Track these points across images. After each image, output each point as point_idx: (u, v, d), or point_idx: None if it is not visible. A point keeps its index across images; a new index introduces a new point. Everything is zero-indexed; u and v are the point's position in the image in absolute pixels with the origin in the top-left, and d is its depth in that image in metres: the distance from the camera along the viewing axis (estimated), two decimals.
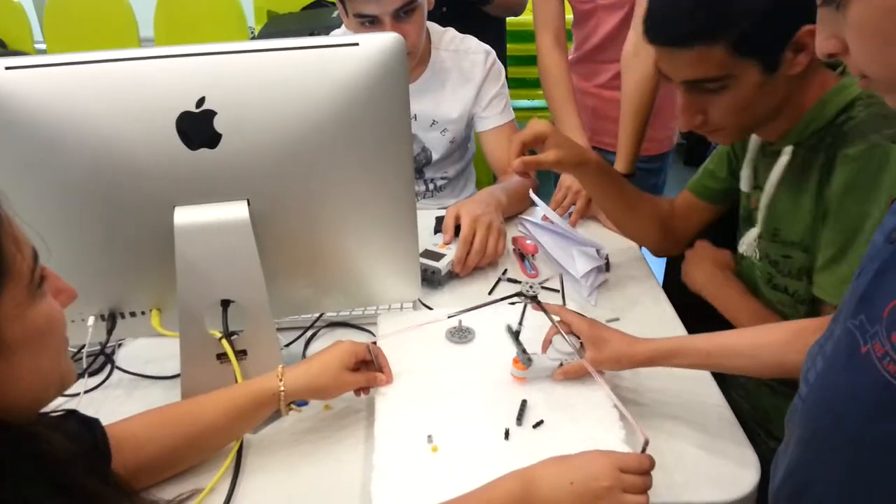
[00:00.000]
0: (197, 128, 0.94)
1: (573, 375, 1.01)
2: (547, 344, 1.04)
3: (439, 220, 1.44)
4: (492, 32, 1.92)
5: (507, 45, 2.29)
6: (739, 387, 1.20)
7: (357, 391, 1.01)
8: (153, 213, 0.97)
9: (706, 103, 1.02)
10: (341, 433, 1.00)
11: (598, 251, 1.33)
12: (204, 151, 0.95)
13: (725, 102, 1.01)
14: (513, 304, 1.01)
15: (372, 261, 1.11)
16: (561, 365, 1.01)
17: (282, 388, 0.93)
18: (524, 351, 0.99)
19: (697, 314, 1.24)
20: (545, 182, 1.63)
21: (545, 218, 1.48)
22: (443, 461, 0.89)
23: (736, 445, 0.98)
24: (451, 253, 1.34)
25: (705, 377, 1.11)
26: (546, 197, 1.57)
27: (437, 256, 1.33)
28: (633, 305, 1.29)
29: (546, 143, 1.22)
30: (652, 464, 0.81)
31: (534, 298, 0.97)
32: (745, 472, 0.94)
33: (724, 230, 1.32)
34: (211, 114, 0.93)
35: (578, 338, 1.02)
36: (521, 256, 1.42)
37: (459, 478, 0.86)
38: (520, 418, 0.95)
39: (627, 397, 1.03)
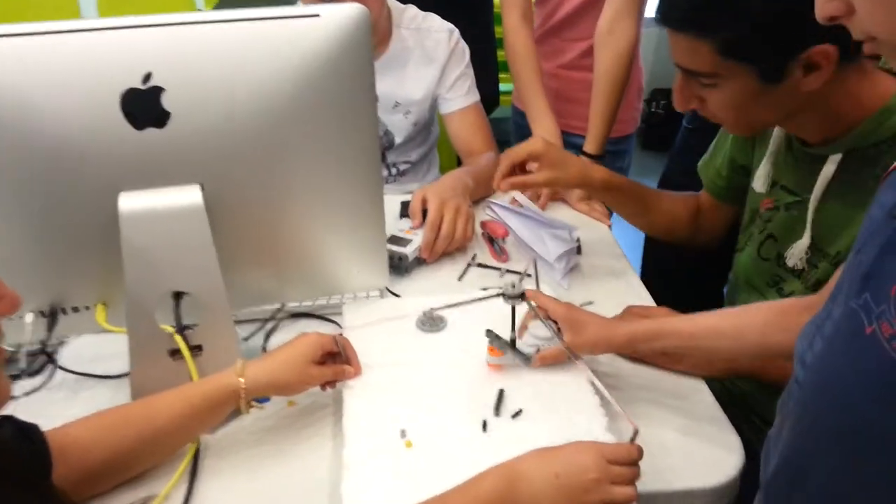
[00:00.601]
0: (143, 106, 0.86)
1: (551, 361, 0.96)
2: (523, 330, 0.99)
3: (405, 204, 1.39)
4: (483, 15, 1.87)
5: (496, 28, 2.23)
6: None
7: (323, 385, 0.95)
8: (96, 200, 0.89)
9: (702, 92, 0.98)
10: (307, 431, 0.94)
11: (569, 233, 1.28)
12: (151, 132, 0.87)
13: (719, 98, 0.96)
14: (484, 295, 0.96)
15: (337, 247, 1.05)
16: (538, 351, 0.97)
17: (242, 385, 0.86)
18: (524, 355, 0.95)
19: (675, 299, 1.20)
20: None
21: (514, 201, 1.44)
22: (418, 457, 0.84)
23: (718, 429, 0.95)
24: (417, 238, 1.29)
25: None
26: None
27: (404, 242, 1.27)
28: (606, 289, 1.25)
29: (540, 161, 1.18)
30: (640, 454, 0.77)
31: (521, 297, 0.92)
32: (729, 456, 0.91)
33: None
34: (158, 91, 0.86)
35: (555, 322, 0.98)
36: (490, 240, 1.37)
37: (436, 474, 0.81)
38: (497, 408, 0.90)
39: (606, 382, 0.98)
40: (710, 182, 1.27)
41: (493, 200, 1.50)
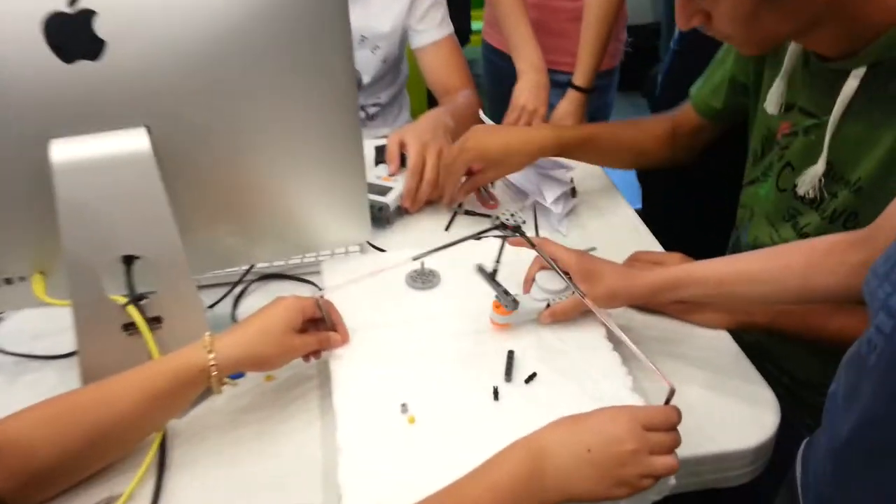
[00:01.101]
0: (72, 34, 0.72)
1: (563, 317, 0.86)
2: (529, 283, 0.88)
3: (380, 149, 1.25)
4: None
5: None
6: None
7: (306, 356, 0.83)
8: (22, 150, 0.74)
9: (706, 5, 0.86)
10: (291, 408, 0.82)
11: (564, 173, 1.17)
12: (84, 65, 0.73)
13: (726, 10, 0.84)
14: (481, 237, 0.84)
15: (311, 198, 0.91)
16: (548, 305, 0.86)
17: (212, 361, 0.74)
18: (506, 292, 0.83)
19: (678, 238, 1.10)
20: (500, 102, 1.45)
21: None
22: (423, 434, 0.73)
23: (748, 383, 0.86)
24: (398, 186, 1.16)
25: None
26: (499, 119, 1.40)
27: (383, 190, 1.14)
28: (608, 233, 1.15)
29: (488, 156, 1.14)
30: (679, 417, 0.68)
31: (517, 230, 0.80)
32: (763, 413, 0.82)
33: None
34: (89, 14, 0.71)
35: (566, 273, 0.87)
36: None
37: (446, 452, 0.70)
38: (508, 373, 0.79)
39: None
40: (704, 104, 1.17)
41: None
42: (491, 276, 0.83)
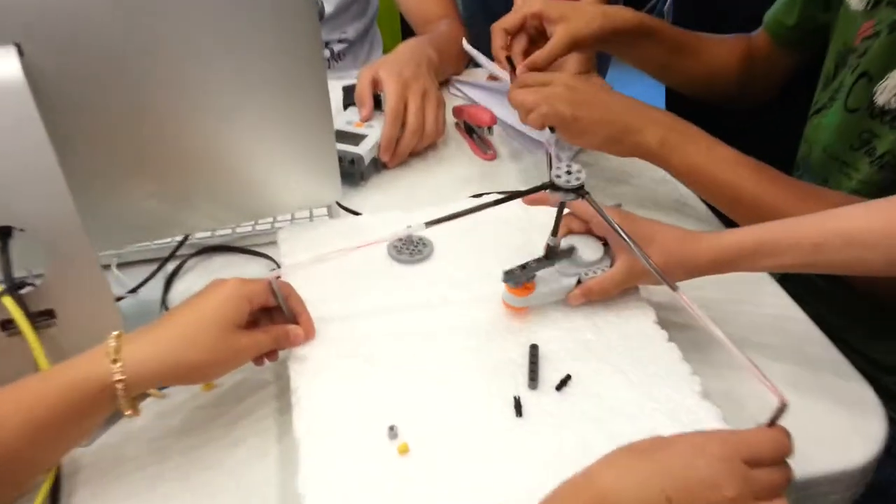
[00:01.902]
0: None
1: (600, 296, 0.65)
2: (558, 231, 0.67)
3: (348, 90, 1.02)
4: None
5: None
6: (813, 290, 0.86)
7: (258, 359, 0.61)
8: None
9: None
10: (237, 431, 0.61)
11: None
12: None
13: None
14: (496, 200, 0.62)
15: (262, 148, 0.69)
16: (579, 282, 0.65)
17: (118, 375, 0.52)
18: (525, 266, 0.62)
19: None
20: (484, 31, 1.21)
21: (491, 78, 1.09)
22: (420, 469, 0.52)
23: (841, 379, 0.67)
24: (373, 133, 0.93)
25: (763, 278, 0.78)
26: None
27: (355, 139, 0.92)
28: (632, 183, 0.94)
29: (545, 20, 0.88)
30: (792, 444, 0.48)
31: (579, 192, 0.59)
32: (865, 419, 0.63)
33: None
34: None
35: (601, 239, 0.67)
36: (469, 131, 1.02)
37: (453, 495, 0.50)
38: (533, 377, 0.58)
39: (665, 318, 0.68)
40: (775, 22, 0.96)
41: (461, 79, 1.15)
42: (523, 267, 0.63)
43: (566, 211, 0.67)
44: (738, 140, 0.85)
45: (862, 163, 0.80)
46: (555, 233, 0.63)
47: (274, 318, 0.62)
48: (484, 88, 1.10)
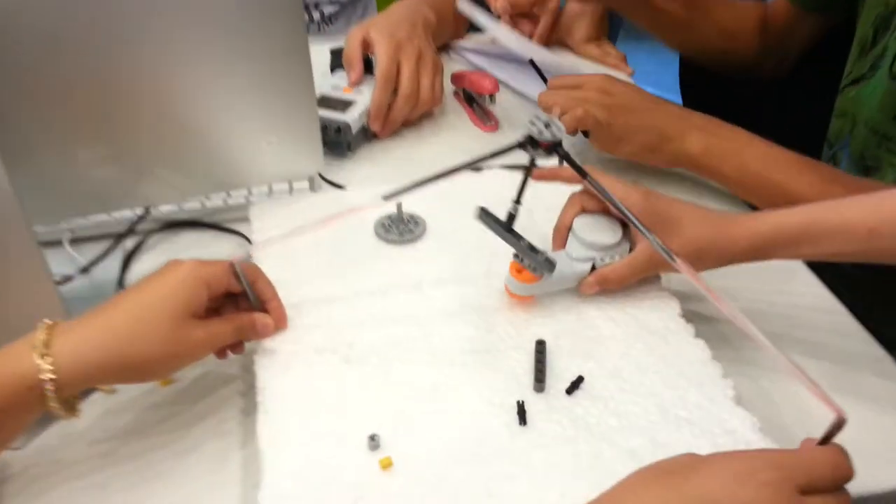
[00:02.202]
0: None
1: (616, 285, 0.56)
2: (564, 233, 0.59)
3: (336, 52, 0.93)
4: None
5: None
6: (841, 276, 0.77)
7: (221, 351, 0.53)
8: None
9: None
10: (195, 434, 0.53)
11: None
12: None
13: None
14: (482, 165, 0.54)
15: (233, 108, 0.60)
16: (593, 268, 0.56)
17: (48, 373, 0.43)
18: (532, 248, 0.53)
19: None
20: None
21: (493, 41, 1.00)
22: (405, 488, 0.44)
23: (886, 379, 0.59)
24: (362, 100, 0.84)
25: (796, 266, 0.69)
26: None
27: (342, 105, 0.83)
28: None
29: None
30: (852, 468, 0.39)
31: (555, 149, 0.50)
32: None
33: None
34: None
35: (619, 220, 0.58)
36: (469, 100, 0.93)
37: None
38: (539, 378, 0.50)
39: (687, 309, 0.59)
40: None
41: (461, 44, 1.05)
42: (505, 225, 0.53)
43: (578, 188, 0.59)
44: (758, 115, 0.77)
45: None
46: (517, 199, 0.53)
47: (240, 305, 0.53)
48: (486, 53, 1.01)
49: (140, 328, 0.47)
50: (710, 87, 1.02)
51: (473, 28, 1.09)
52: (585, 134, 0.74)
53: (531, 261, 0.53)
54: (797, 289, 0.67)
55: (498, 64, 0.97)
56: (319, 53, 0.98)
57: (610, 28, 1.20)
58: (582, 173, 0.50)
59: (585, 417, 0.48)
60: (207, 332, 0.49)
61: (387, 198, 0.51)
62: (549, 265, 0.53)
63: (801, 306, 0.65)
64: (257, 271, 0.53)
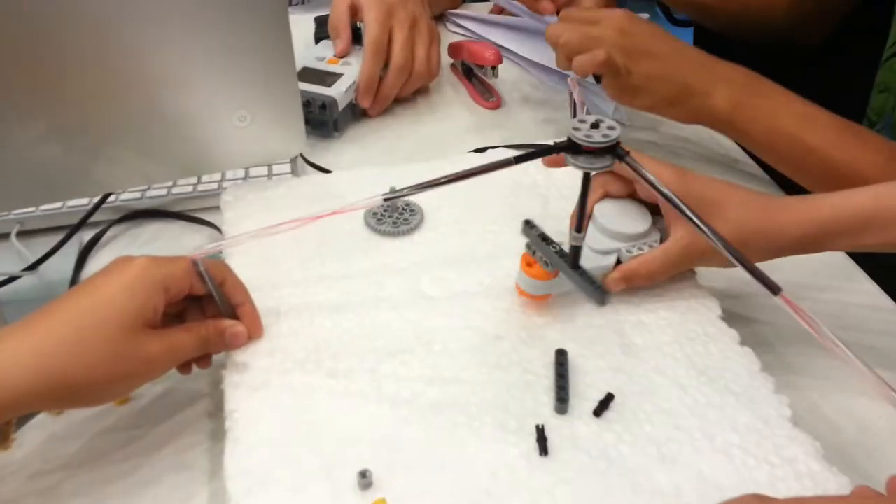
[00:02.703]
0: None
1: (645, 281, 0.49)
2: (584, 220, 0.50)
3: (321, 20, 0.84)
4: None
5: None
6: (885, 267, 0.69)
7: (185, 366, 0.45)
8: None
9: None
10: (155, 464, 0.45)
11: None
12: None
13: None
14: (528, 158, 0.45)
15: (200, 80, 0.52)
16: (618, 262, 0.49)
17: None
18: (546, 238, 0.45)
19: None
20: None
21: (496, 8, 0.91)
22: None
23: None
24: (350, 72, 0.75)
25: (838, 258, 0.62)
26: None
27: (327, 78, 0.74)
28: (660, 130, 0.77)
29: None
30: None
31: (613, 152, 0.41)
32: None
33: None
34: None
35: (649, 205, 0.50)
36: (469, 73, 0.85)
37: None
38: (562, 396, 0.42)
39: (734, 312, 0.52)
40: None
41: (460, 12, 0.97)
42: (559, 253, 0.45)
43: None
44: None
45: None
46: (579, 227, 0.44)
47: (206, 309, 0.45)
48: (488, 22, 0.92)
49: (82, 343, 0.38)
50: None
51: None
52: (597, 79, 0.65)
53: (578, 285, 0.45)
54: (845, 285, 0.59)
55: (501, 32, 0.89)
56: (304, 23, 0.90)
57: None
58: (619, 156, 0.41)
59: (618, 445, 0.40)
60: (165, 345, 0.41)
61: (388, 198, 0.43)
62: (600, 295, 0.44)
63: (852, 305, 0.57)
64: (226, 270, 0.45)
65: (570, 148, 0.41)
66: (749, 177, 0.72)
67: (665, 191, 0.41)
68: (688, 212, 0.40)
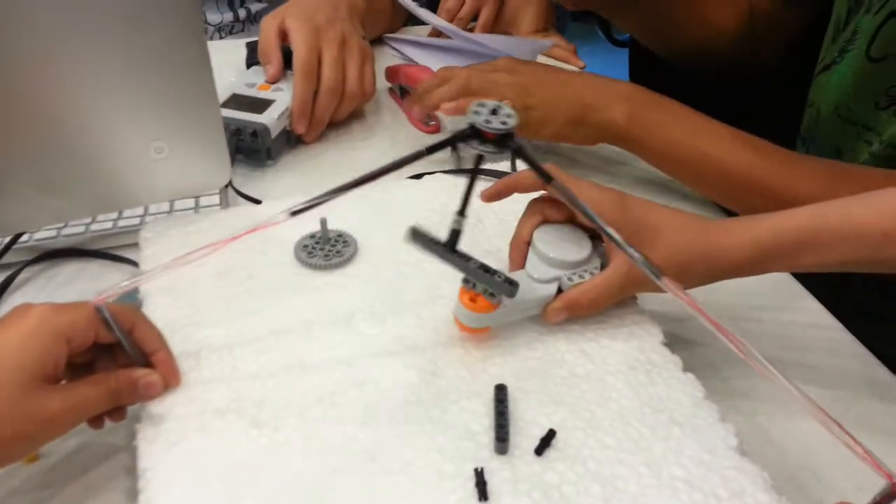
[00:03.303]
0: None
1: (587, 311, 0.47)
2: (522, 250, 0.49)
3: (252, 46, 0.82)
4: None
5: None
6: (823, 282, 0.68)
7: (95, 419, 0.41)
8: None
9: None
10: None
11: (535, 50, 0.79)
12: None
13: None
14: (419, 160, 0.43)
15: (117, 110, 0.49)
16: (559, 291, 0.47)
17: None
18: (486, 268, 0.43)
19: None
20: None
21: (434, 32, 0.90)
22: None
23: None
24: (282, 97, 0.73)
25: (780, 276, 0.61)
26: None
27: (258, 105, 0.71)
28: (618, 158, 0.76)
29: None
30: None
31: (508, 144, 0.39)
32: None
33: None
34: None
35: (589, 231, 0.49)
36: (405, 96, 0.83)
37: None
38: (502, 435, 0.40)
39: (665, 331, 0.50)
40: None
41: (397, 36, 0.95)
42: (448, 245, 0.43)
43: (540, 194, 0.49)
44: (717, 112, 0.69)
45: (891, 124, 0.64)
46: (461, 210, 0.42)
47: (117, 357, 0.42)
48: (425, 46, 0.91)
49: None
50: (659, 84, 0.94)
51: (413, 21, 0.99)
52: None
53: (486, 284, 0.43)
54: (786, 303, 0.59)
55: (437, 55, 0.88)
56: (236, 49, 0.88)
57: (558, 20, 1.11)
58: (544, 176, 0.40)
59: (560, 486, 0.38)
60: (68, 401, 0.37)
61: (295, 212, 0.40)
62: (510, 287, 0.43)
63: (792, 324, 0.56)
64: (136, 315, 0.41)
65: (475, 135, 0.39)
66: (685, 196, 0.72)
67: (593, 215, 0.40)
68: (610, 231, 0.39)
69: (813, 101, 0.74)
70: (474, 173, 0.41)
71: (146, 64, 0.48)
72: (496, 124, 0.38)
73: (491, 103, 0.39)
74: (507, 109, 0.39)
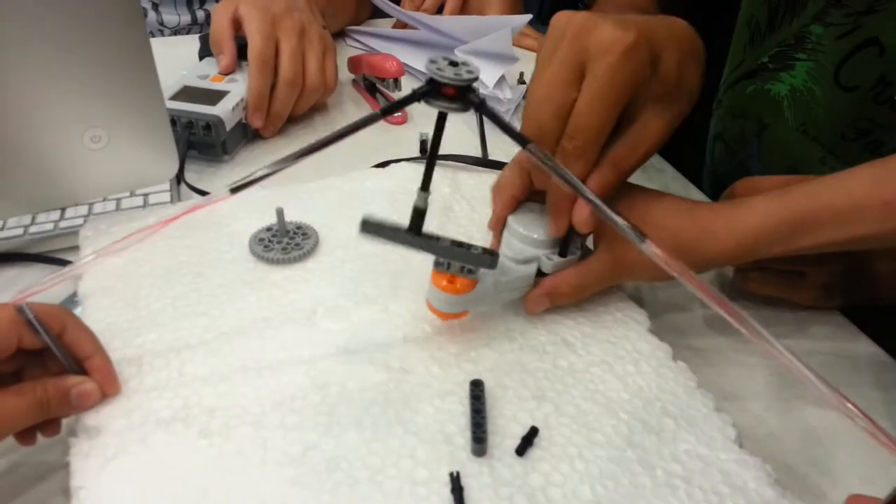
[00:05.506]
0: None
1: (570, 298, 0.43)
2: (498, 230, 0.45)
3: (205, 37, 0.77)
4: None
5: None
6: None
7: (25, 434, 0.37)
8: None
9: None
10: None
11: (500, 39, 0.75)
12: None
13: None
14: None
15: (48, 98, 0.44)
16: (540, 273, 0.43)
17: None
18: (459, 243, 0.39)
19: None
20: None
21: (399, 26, 0.86)
22: None
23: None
24: (236, 89, 0.69)
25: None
26: None
27: (211, 97, 0.67)
28: None
29: None
30: None
31: (471, 99, 0.35)
32: None
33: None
34: None
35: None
36: (372, 88, 0.79)
37: None
38: (479, 435, 0.36)
39: (664, 323, 0.47)
40: None
41: (359, 28, 0.92)
42: (413, 229, 0.39)
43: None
44: None
45: (853, 157, 0.58)
46: (425, 185, 0.38)
47: (48, 364, 0.37)
48: (388, 38, 0.87)
49: None
50: None
51: (378, 14, 0.96)
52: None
53: (463, 260, 0.39)
54: None
55: (402, 47, 0.84)
56: (191, 43, 0.83)
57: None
58: (519, 140, 0.36)
59: (546, 488, 0.34)
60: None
61: (235, 189, 0.36)
62: (490, 258, 0.39)
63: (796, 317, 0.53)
64: (66, 316, 0.37)
65: (433, 91, 0.35)
66: (660, 172, 0.68)
67: (574, 180, 0.36)
68: (590, 196, 0.35)
69: (742, 109, 0.67)
70: (436, 140, 0.37)
71: (77, 43, 0.44)
72: (452, 75, 0.34)
73: (445, 59, 0.36)
74: (469, 65, 0.35)
